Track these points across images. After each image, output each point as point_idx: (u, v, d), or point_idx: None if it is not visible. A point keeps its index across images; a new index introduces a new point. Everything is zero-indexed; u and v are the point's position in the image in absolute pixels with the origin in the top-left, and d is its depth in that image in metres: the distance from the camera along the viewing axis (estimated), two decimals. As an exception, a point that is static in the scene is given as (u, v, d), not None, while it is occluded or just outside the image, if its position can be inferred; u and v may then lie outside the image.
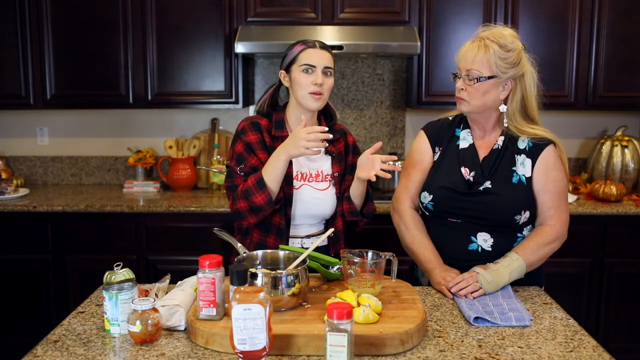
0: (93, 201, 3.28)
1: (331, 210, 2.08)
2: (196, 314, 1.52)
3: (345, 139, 2.17)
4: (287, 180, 2.00)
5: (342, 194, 2.08)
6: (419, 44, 3.22)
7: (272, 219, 2.01)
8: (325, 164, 2.09)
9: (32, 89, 3.43)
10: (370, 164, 1.88)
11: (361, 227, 2.15)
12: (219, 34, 3.38)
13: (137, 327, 1.46)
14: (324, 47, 2.02)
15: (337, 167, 2.10)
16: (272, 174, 1.92)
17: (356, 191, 2.03)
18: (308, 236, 2.07)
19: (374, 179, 1.85)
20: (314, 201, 2.04)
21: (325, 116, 2.15)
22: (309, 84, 1.97)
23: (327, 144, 1.90)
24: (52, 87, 3.43)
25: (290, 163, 2.01)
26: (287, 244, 2.02)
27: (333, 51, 2.08)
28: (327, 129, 1.86)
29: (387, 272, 1.73)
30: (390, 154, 3.59)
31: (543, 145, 1.93)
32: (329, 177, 2.08)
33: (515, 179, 1.93)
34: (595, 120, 3.82)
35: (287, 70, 2.04)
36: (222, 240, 1.92)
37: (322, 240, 1.90)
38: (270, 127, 2.06)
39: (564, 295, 2.39)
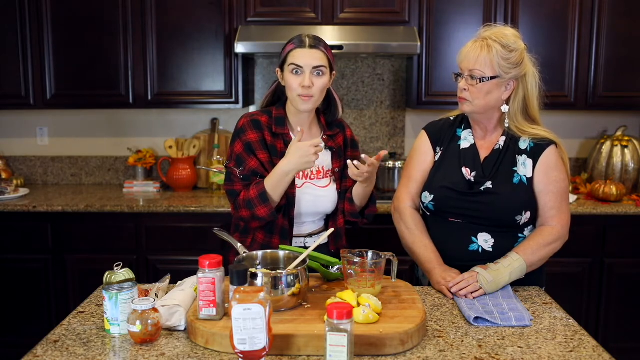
0: (93, 201, 3.28)
1: (332, 207, 2.06)
2: (196, 314, 1.52)
3: (344, 133, 2.13)
4: None
5: (344, 193, 2.06)
6: (419, 44, 3.22)
7: (275, 220, 1.99)
8: (326, 160, 2.06)
9: (32, 89, 3.43)
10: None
11: (360, 226, 2.13)
12: (219, 34, 3.38)
13: (137, 327, 1.46)
14: (314, 45, 1.94)
15: (337, 162, 2.08)
16: (277, 189, 1.89)
17: (359, 189, 1.99)
18: (310, 235, 2.06)
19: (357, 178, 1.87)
20: (316, 199, 2.02)
21: (327, 109, 2.10)
22: (297, 86, 1.92)
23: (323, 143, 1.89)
24: (52, 87, 3.43)
25: None
26: (290, 243, 2.01)
27: (333, 51, 2.05)
28: (322, 142, 1.87)
29: (387, 272, 1.73)
30: (391, 154, 3.60)
31: (544, 146, 1.93)
32: (329, 172, 2.07)
33: (516, 180, 1.92)
34: (595, 120, 3.82)
35: (282, 69, 1.99)
36: (222, 240, 1.91)
37: (322, 239, 1.90)
38: (270, 124, 2.01)
39: (564, 295, 2.39)
